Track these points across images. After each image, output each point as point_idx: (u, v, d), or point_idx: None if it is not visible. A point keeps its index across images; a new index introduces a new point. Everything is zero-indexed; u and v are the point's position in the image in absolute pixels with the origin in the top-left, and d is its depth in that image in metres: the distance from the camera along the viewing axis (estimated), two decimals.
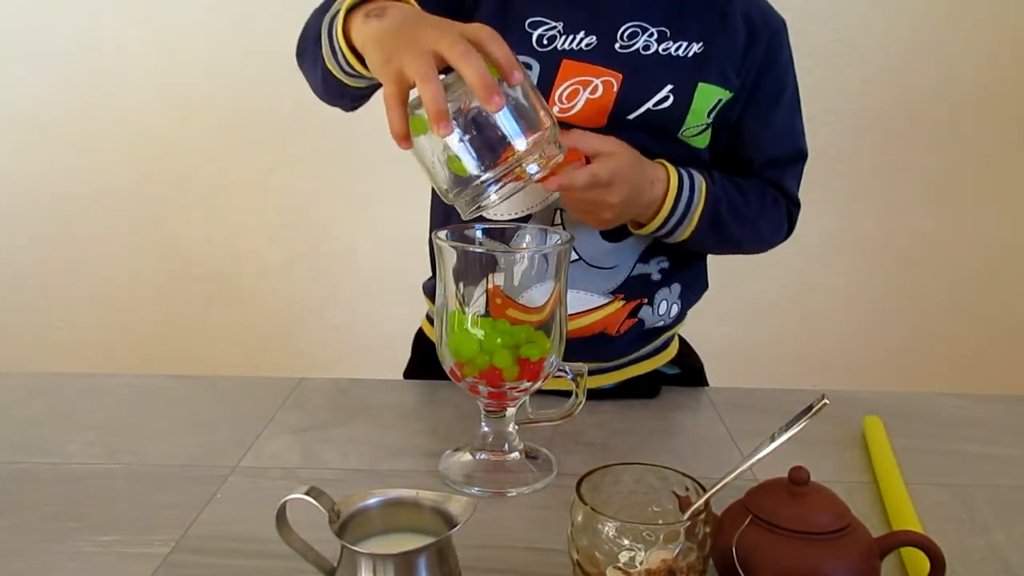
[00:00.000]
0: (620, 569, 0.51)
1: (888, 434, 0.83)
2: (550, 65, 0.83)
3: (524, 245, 0.78)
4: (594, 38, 0.83)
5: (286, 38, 1.79)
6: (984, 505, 0.72)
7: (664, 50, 0.83)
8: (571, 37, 0.83)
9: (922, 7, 1.71)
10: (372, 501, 0.54)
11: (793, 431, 0.53)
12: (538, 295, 0.72)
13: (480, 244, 0.77)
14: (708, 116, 0.85)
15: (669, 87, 0.83)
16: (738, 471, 0.54)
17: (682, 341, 1.03)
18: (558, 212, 0.86)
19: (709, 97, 0.84)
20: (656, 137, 0.84)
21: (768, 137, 0.91)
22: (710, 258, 1.00)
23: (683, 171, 0.84)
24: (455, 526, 0.51)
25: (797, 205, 0.96)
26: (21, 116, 1.83)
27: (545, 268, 0.72)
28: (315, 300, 1.91)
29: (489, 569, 0.61)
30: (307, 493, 0.53)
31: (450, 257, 0.72)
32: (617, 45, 0.83)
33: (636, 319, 0.91)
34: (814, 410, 0.53)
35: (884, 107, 1.75)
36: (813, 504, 0.55)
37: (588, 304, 0.89)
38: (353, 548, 0.50)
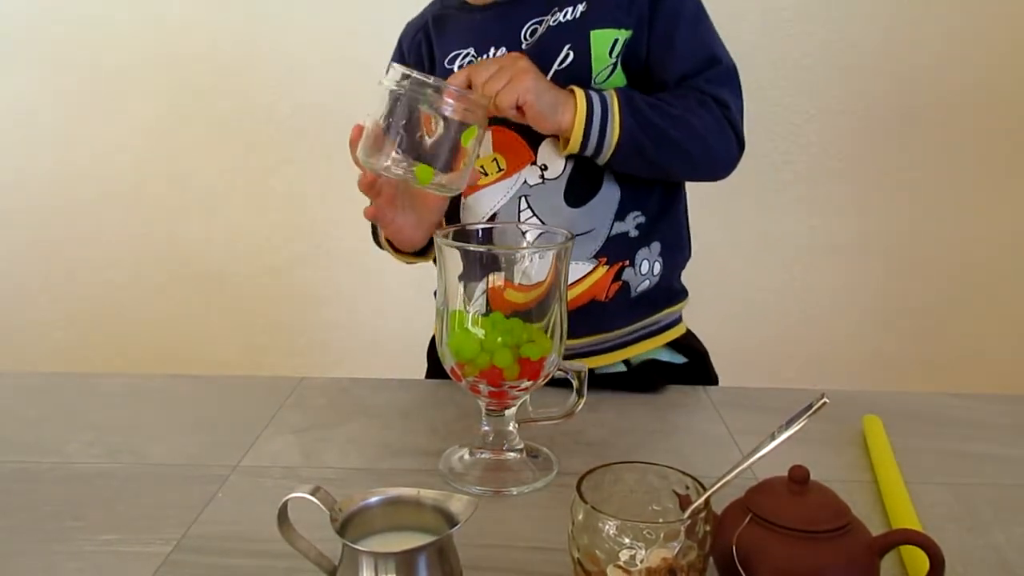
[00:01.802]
0: (621, 567, 0.51)
1: (888, 434, 0.83)
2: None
3: (524, 244, 0.78)
4: (504, 49, 0.92)
5: (287, 38, 1.80)
6: (984, 505, 0.72)
7: (555, 22, 0.91)
8: (485, 56, 0.93)
9: (922, 7, 1.71)
10: (373, 500, 0.54)
11: (793, 430, 0.53)
12: (536, 273, 0.73)
13: (481, 243, 0.77)
14: (612, 56, 0.91)
15: (567, 47, 0.90)
16: (738, 470, 0.54)
17: (690, 331, 1.04)
18: (523, 199, 0.92)
19: (605, 40, 0.90)
20: None
21: (672, 58, 0.92)
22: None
23: (588, 88, 0.88)
24: (456, 525, 0.51)
25: (728, 107, 0.92)
26: (21, 116, 1.83)
27: (546, 267, 0.72)
28: (315, 300, 1.91)
29: (490, 568, 0.61)
30: (309, 492, 0.53)
31: (451, 257, 0.72)
32: (524, 45, 0.92)
33: (621, 282, 0.94)
34: (814, 409, 0.53)
35: (884, 107, 1.75)
36: (813, 503, 0.55)
37: (574, 274, 0.92)
38: (354, 547, 0.50)
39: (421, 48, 1.00)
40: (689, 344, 1.02)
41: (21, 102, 1.82)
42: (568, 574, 0.56)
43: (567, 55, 0.90)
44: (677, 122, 0.89)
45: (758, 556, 0.53)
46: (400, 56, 1.03)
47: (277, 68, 1.77)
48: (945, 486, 0.75)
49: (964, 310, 1.86)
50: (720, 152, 0.93)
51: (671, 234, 0.98)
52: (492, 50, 0.93)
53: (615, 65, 0.91)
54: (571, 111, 0.86)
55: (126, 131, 1.83)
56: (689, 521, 0.52)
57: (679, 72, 0.92)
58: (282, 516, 0.55)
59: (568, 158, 0.91)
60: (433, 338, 1.07)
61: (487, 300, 0.72)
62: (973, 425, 0.89)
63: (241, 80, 1.79)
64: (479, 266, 0.72)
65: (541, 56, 0.89)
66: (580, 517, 0.53)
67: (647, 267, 0.95)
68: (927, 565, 0.55)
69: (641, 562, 0.51)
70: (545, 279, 0.72)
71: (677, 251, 1.00)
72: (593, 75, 0.90)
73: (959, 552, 0.64)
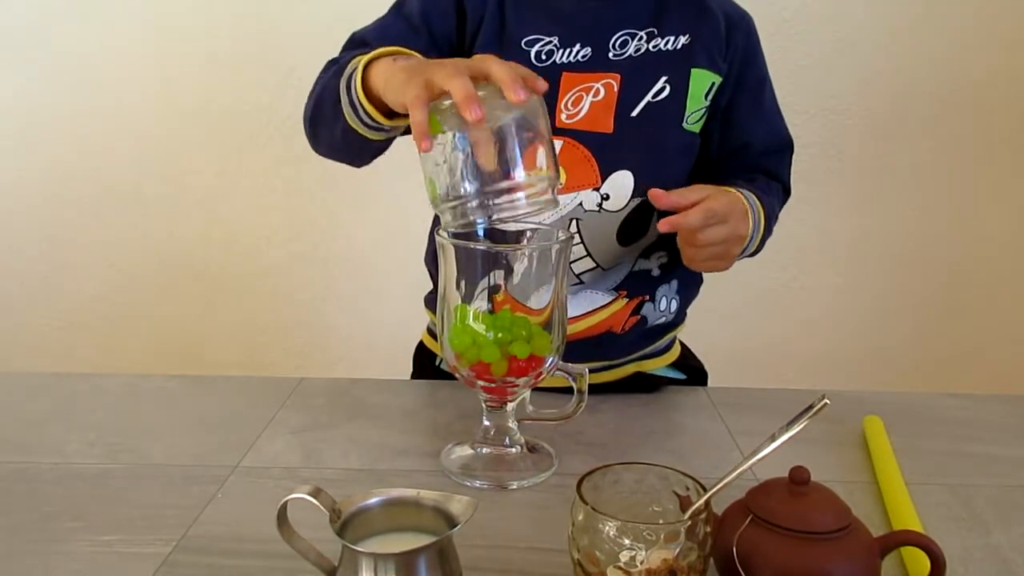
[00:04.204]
0: (621, 569, 0.51)
1: (888, 434, 0.83)
2: (551, 78, 0.85)
3: (525, 243, 0.78)
4: (589, 50, 0.87)
5: (286, 38, 1.80)
6: (984, 505, 0.72)
7: (654, 47, 0.88)
8: (568, 50, 0.87)
9: (922, 7, 1.70)
10: (373, 501, 0.54)
11: (794, 431, 0.53)
12: (540, 298, 0.73)
13: (481, 241, 0.77)
14: (706, 99, 0.89)
15: (664, 78, 0.87)
16: (739, 471, 0.54)
17: (684, 346, 1.04)
18: (574, 221, 0.88)
19: (703, 81, 0.89)
20: (661, 128, 0.88)
21: (761, 122, 0.95)
22: None
23: (736, 189, 0.87)
24: (456, 525, 0.51)
25: (789, 194, 1.01)
26: (20, 116, 1.82)
27: (546, 266, 0.72)
28: (315, 300, 1.91)
29: (490, 568, 0.61)
30: (308, 493, 0.53)
31: (451, 254, 0.72)
32: (611, 54, 0.87)
33: (639, 316, 0.93)
34: (814, 410, 0.53)
35: (884, 107, 1.75)
36: (814, 504, 0.55)
37: (595, 303, 0.91)
38: (354, 548, 0.50)
39: (488, 1, 0.88)
40: (686, 362, 1.02)
41: (20, 102, 1.82)
42: (568, 575, 0.56)
43: (663, 88, 0.87)
44: (772, 222, 0.93)
45: (759, 557, 0.53)
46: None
47: (277, 68, 1.77)
48: (945, 486, 0.75)
49: (964, 310, 1.86)
50: None
51: (688, 271, 0.97)
52: (577, 46, 0.87)
53: (706, 110, 0.90)
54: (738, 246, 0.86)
55: (125, 131, 1.82)
56: (689, 522, 0.52)
57: (766, 143, 0.94)
58: (282, 517, 0.55)
59: (635, 195, 0.88)
60: (421, 343, 1.07)
61: (489, 297, 0.72)
62: (973, 425, 0.89)
63: (240, 80, 1.78)
64: (479, 264, 0.72)
65: (635, 79, 0.87)
66: (580, 518, 0.53)
67: (665, 304, 0.95)
68: (928, 566, 0.55)
69: (641, 563, 0.51)
70: (548, 302, 0.73)
71: (692, 287, 1.00)
72: (686, 115, 0.88)
73: (960, 552, 0.64)
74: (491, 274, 0.71)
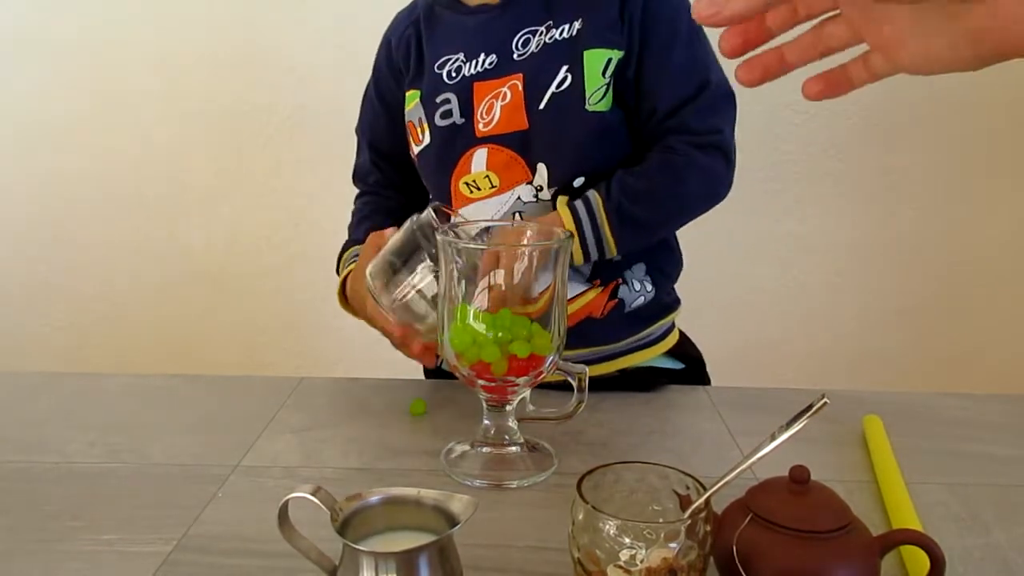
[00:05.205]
0: (621, 567, 0.51)
1: (888, 434, 0.83)
2: (464, 91, 0.92)
3: (525, 242, 0.78)
4: (494, 56, 0.91)
5: (286, 38, 1.80)
6: (984, 505, 0.72)
7: (551, 39, 0.90)
8: (474, 62, 0.92)
9: None
10: (373, 499, 0.54)
11: (793, 430, 0.53)
12: (538, 297, 0.73)
13: (481, 241, 0.77)
14: (604, 76, 0.90)
15: (564, 67, 0.89)
16: (739, 470, 0.54)
17: (683, 335, 1.04)
18: (517, 215, 0.92)
19: (598, 60, 0.89)
20: (568, 116, 0.89)
21: (667, 82, 0.91)
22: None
23: (575, 203, 0.89)
24: (456, 524, 0.51)
25: (718, 132, 0.92)
26: (21, 117, 1.83)
27: (546, 265, 0.72)
28: (315, 300, 1.91)
29: (490, 567, 0.61)
30: (309, 492, 0.53)
31: (452, 254, 0.72)
32: (515, 55, 0.91)
33: (617, 300, 0.95)
34: (814, 409, 0.53)
35: (884, 107, 1.75)
36: (813, 503, 0.55)
37: (570, 292, 0.92)
38: (355, 546, 0.50)
39: (411, 45, 0.98)
40: (684, 351, 1.02)
41: (21, 103, 1.82)
42: (568, 574, 0.56)
43: (565, 77, 0.89)
44: (667, 203, 0.91)
45: (758, 556, 0.53)
46: (387, 49, 1.02)
47: (276, 68, 1.77)
48: (945, 486, 0.75)
49: (964, 310, 1.86)
50: (714, 192, 0.94)
51: (658, 251, 0.98)
52: (482, 56, 0.91)
53: (608, 86, 0.90)
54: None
55: (126, 132, 1.83)
56: (689, 521, 0.52)
57: (672, 101, 0.90)
58: (283, 516, 0.55)
59: (551, 184, 0.91)
60: None
61: (488, 297, 0.72)
62: (973, 425, 0.89)
63: (240, 80, 1.79)
64: (479, 263, 0.72)
65: (537, 75, 0.89)
66: (580, 517, 0.53)
67: (639, 285, 0.96)
68: (927, 565, 0.55)
69: (641, 562, 0.51)
70: (545, 292, 0.73)
71: (667, 264, 1.00)
72: (587, 96, 0.89)
73: (959, 552, 0.64)
74: (491, 273, 0.71)
